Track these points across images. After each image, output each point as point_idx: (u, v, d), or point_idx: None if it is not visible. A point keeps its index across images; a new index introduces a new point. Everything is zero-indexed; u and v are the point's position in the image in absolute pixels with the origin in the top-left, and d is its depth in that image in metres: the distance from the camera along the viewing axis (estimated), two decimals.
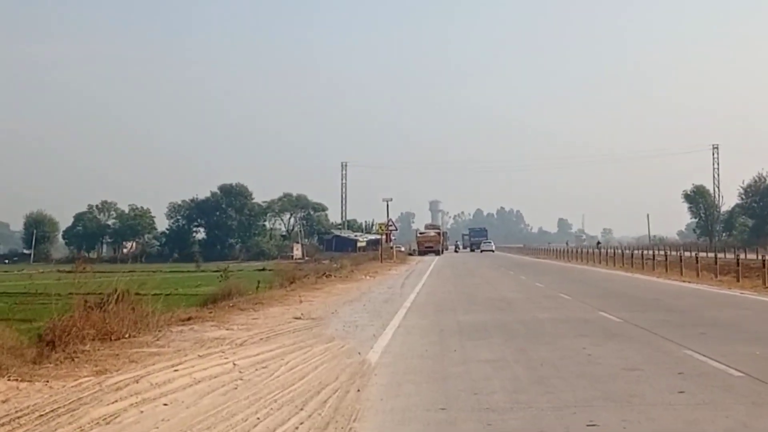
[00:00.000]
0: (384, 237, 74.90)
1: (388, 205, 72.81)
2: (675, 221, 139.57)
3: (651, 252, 58.49)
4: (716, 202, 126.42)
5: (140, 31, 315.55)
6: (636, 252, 61.05)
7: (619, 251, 62.57)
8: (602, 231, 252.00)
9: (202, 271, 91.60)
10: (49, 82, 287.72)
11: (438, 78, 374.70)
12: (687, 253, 49.85)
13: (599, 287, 29.99)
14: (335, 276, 40.66)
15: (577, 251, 75.15)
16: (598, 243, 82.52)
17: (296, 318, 20.08)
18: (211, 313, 21.22)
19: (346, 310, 22.35)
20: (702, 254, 47.48)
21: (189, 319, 19.60)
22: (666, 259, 43.26)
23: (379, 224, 70.86)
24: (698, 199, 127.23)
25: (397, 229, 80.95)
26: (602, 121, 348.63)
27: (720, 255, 48.98)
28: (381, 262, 63.02)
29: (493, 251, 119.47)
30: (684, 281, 32.60)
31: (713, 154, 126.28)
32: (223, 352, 13.72)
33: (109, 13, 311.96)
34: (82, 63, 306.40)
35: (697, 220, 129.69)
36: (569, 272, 43.72)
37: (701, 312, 19.38)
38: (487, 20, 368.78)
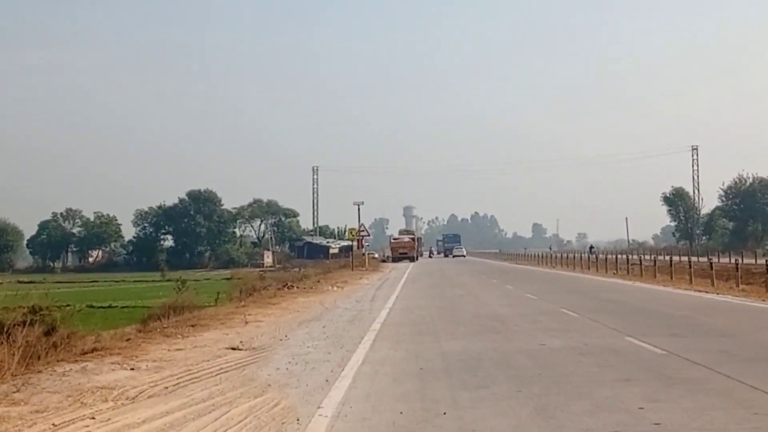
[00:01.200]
0: (356, 243, 70.14)
1: (359, 209, 68.16)
2: (650, 225, 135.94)
3: (638, 257, 54.40)
4: (696, 205, 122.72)
5: (109, 32, 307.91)
6: (620, 257, 57.06)
7: (602, 256, 58.67)
8: (577, 235, 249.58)
9: (168, 280, 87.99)
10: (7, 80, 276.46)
11: (412, 82, 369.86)
12: (675, 258, 46.00)
13: (605, 300, 25.29)
14: (298, 287, 35.93)
15: (559, 256, 70.95)
16: (591, 247, 77.81)
17: (232, 348, 15.35)
18: (127, 341, 16.41)
19: (300, 334, 17.60)
20: (692, 259, 43.40)
21: (93, 350, 14.83)
22: (671, 265, 38.67)
23: (350, 229, 65.69)
24: (677, 202, 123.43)
25: (369, 235, 76.12)
26: (577, 124, 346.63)
27: (703, 259, 45.50)
28: (352, 270, 58.30)
29: (464, 256, 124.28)
30: (699, 291, 28.06)
31: (692, 156, 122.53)
32: (93, 417, 8.99)
33: (84, 13, 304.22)
34: (46, 63, 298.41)
35: (676, 223, 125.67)
36: (560, 280, 39.16)
37: (757, 335, 14.82)
38: (466, 26, 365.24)
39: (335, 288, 36.80)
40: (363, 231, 67.71)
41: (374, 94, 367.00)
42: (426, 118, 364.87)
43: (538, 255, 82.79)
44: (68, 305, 48.02)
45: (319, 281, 40.02)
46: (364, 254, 69.14)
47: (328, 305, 26.40)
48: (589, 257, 57.15)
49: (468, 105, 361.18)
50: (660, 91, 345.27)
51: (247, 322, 20.05)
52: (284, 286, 36.05)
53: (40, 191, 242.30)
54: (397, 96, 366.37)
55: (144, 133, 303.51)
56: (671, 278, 34.32)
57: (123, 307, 38.01)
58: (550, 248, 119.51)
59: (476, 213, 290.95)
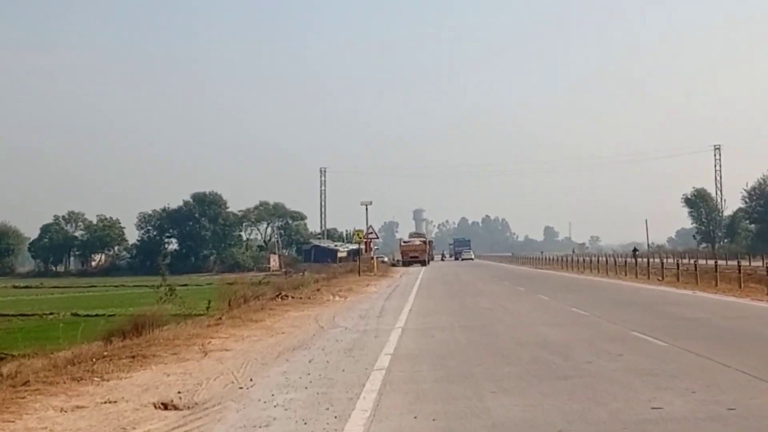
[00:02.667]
0: (363, 246, 64.42)
1: (367, 209, 62.35)
2: (664, 228, 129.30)
3: (674, 261, 48.77)
4: (718, 207, 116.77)
5: (112, 34, 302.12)
6: (653, 261, 51.60)
7: (637, 261, 53.27)
8: (590, 239, 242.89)
9: (168, 285, 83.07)
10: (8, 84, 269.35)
11: (420, 83, 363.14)
12: (701, 261, 40.58)
13: (679, 317, 19.26)
14: (294, 297, 30.31)
15: (582, 260, 65.14)
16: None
17: (162, 405, 9.79)
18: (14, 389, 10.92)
19: (273, 375, 11.93)
20: (720, 263, 37.94)
21: None
22: (716, 270, 32.86)
23: (357, 231, 59.68)
24: (699, 204, 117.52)
25: (378, 237, 70.44)
26: (590, 125, 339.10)
27: (733, 263, 40.16)
28: (359, 275, 52.61)
29: (471, 259, 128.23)
30: None
31: (715, 155, 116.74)
32: None
33: (87, 16, 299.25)
34: (50, 65, 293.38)
35: (697, 225, 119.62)
36: (600, 288, 33.19)
37: None
38: (473, 25, 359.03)
39: (337, 298, 31.14)
40: (371, 233, 61.95)
41: (382, 95, 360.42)
42: (436, 119, 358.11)
43: (559, 259, 77.00)
44: (52, 313, 42.28)
45: (319, 289, 34.39)
46: (372, 258, 63.41)
47: (324, 322, 20.73)
48: (636, 261, 50.83)
49: (478, 105, 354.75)
50: (674, 89, 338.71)
51: (206, 353, 14.40)
52: (277, 295, 30.44)
53: (43, 194, 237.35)
54: (407, 97, 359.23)
55: (148, 135, 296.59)
56: (740, 286, 28.27)
57: (110, 316, 33.82)
58: (573, 251, 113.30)
59: (487, 216, 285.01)
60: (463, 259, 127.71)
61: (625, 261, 53.79)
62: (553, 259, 79.22)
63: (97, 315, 37.28)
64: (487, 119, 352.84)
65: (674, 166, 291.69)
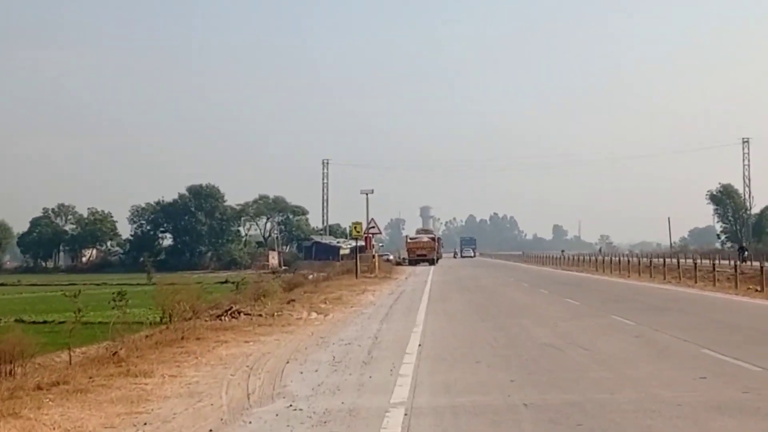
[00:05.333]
0: (364, 242, 54.26)
1: (368, 199, 52.08)
2: (676, 227, 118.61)
3: (732, 263, 38.71)
4: (746, 203, 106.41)
5: (105, 27, 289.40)
6: (674, 261, 41.97)
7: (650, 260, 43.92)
8: (599, 238, 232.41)
9: (153, 284, 75.14)
10: None
11: (428, 80, 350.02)
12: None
13: None
14: (250, 314, 20.25)
15: (611, 260, 54.99)
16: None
17: None
18: None
19: None
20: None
21: None
22: None
23: (354, 224, 48.77)
24: (725, 200, 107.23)
25: (380, 232, 60.29)
26: (598, 123, 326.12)
27: None
28: (357, 277, 42.47)
29: (472, 257, 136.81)
30: None
31: (743, 149, 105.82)
32: None
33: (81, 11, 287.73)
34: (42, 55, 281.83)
35: (723, 223, 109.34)
36: (708, 307, 22.95)
37: None
38: (480, 21, 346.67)
39: (313, 315, 21.03)
40: (372, 227, 51.64)
41: (392, 93, 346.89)
42: (445, 118, 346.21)
43: (582, 258, 66.77)
44: None
45: (293, 300, 24.16)
46: (373, 257, 53.21)
47: (257, 383, 10.65)
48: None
49: (486, 105, 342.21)
50: (681, 88, 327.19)
51: None
52: (227, 311, 20.42)
53: (32, 187, 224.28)
54: (417, 96, 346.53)
55: (142, 126, 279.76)
56: None
57: (60, 323, 25.73)
58: (600, 251, 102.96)
59: (495, 214, 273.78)
60: (462, 257, 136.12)
61: (664, 261, 43.87)
62: (576, 258, 68.88)
63: (44, 322, 29.69)
64: (496, 119, 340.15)
65: (686, 165, 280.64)
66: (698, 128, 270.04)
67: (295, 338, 16.14)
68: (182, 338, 15.59)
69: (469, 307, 23.38)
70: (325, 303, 24.98)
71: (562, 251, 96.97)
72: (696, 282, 32.89)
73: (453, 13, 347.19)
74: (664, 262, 44.10)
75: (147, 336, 16.61)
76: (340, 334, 16.66)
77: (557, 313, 20.35)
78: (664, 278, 36.72)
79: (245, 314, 20.12)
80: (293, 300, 24.03)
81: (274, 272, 51.90)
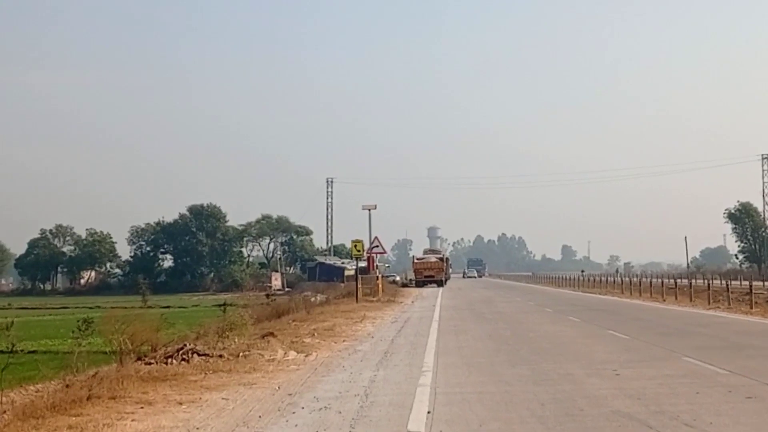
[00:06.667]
0: (367, 262, 49.35)
1: (370, 215, 47.26)
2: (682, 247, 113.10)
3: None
4: (766, 222, 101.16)
5: (105, 43, 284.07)
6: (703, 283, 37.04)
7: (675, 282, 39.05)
8: (609, 258, 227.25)
9: (149, 307, 70.92)
10: None
11: (434, 99, 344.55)
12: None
13: None
14: (206, 356, 15.29)
15: (637, 281, 50.07)
16: None
17: None
18: None
19: None
20: None
21: None
22: None
23: (354, 241, 43.52)
24: (744, 219, 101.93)
25: (385, 252, 55.27)
26: (606, 140, 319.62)
27: None
28: (357, 301, 37.47)
29: (475, 277, 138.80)
30: None
31: (763, 166, 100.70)
32: None
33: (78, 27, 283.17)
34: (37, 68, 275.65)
35: (741, 243, 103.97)
36: (753, 332, 18.35)
37: None
38: (486, 38, 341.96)
39: (291, 354, 16.02)
40: (376, 246, 46.65)
41: (395, 109, 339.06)
42: (448, 133, 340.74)
43: (602, 279, 61.75)
44: None
45: (270, 334, 19.11)
46: (377, 278, 48.20)
47: None
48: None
49: (492, 124, 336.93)
50: (686, 104, 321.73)
51: None
52: (178, 351, 15.49)
53: (30, 207, 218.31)
54: (419, 112, 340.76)
55: (142, 145, 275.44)
56: None
57: (30, 352, 21.41)
58: (617, 271, 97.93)
59: (503, 234, 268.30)
60: (467, 277, 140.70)
61: (690, 283, 38.99)
62: (595, 280, 63.74)
63: (2, 352, 24.95)
64: (501, 137, 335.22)
65: (698, 183, 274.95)
66: (711, 145, 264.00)
67: (252, 396, 11.22)
68: (88, 398, 10.70)
69: (491, 342, 18.38)
70: (313, 336, 20.06)
71: (582, 271, 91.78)
72: (752, 308, 27.77)
73: (458, 30, 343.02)
74: (691, 283, 39.23)
75: (38, 391, 11.82)
76: (317, 389, 11.73)
77: (608, 354, 15.36)
78: (709, 303, 31.50)
79: (201, 355, 15.19)
80: (271, 334, 19.05)
81: (268, 296, 46.78)
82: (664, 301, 35.93)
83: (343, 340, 19.45)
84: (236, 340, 17.25)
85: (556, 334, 20.21)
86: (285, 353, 16.08)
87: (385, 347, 17.63)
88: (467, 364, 14.28)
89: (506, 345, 17.55)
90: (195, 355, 15.12)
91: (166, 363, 14.71)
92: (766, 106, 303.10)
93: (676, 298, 35.83)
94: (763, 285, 49.24)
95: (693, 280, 47.25)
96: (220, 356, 15.31)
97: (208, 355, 15.32)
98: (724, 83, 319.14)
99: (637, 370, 12.78)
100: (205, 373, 13.49)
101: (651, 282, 49.38)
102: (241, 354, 15.60)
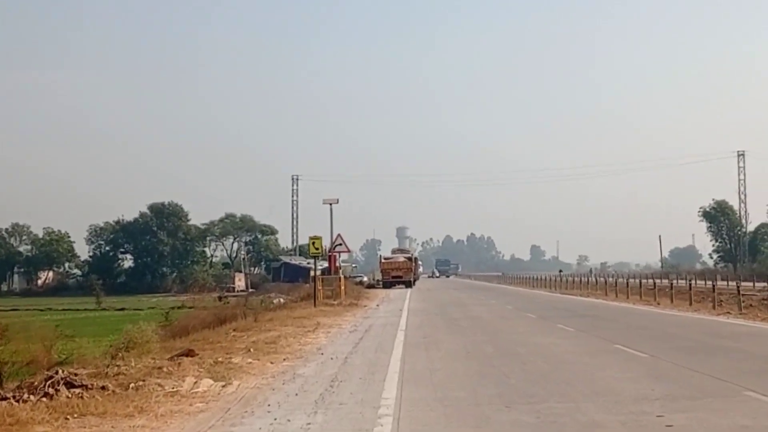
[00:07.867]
0: (328, 262, 45.11)
1: (332, 210, 43.11)
2: (653, 248, 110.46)
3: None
4: (742, 221, 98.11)
5: (74, 41, 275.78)
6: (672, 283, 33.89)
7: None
8: (578, 258, 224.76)
9: (103, 309, 67.36)
10: None
11: (406, 101, 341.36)
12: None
13: None
14: (83, 387, 10.95)
15: (614, 282, 46.39)
16: None
17: None
18: None
19: None
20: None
21: None
22: None
23: (312, 238, 37.90)
24: (719, 217, 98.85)
25: (349, 250, 51.00)
26: (576, 139, 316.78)
27: None
28: (315, 305, 33.14)
29: (438, 277, 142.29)
30: None
31: (738, 163, 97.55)
32: None
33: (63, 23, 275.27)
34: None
35: (717, 242, 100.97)
36: None
37: None
38: (460, 40, 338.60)
39: (204, 384, 11.57)
40: (339, 244, 42.30)
41: (365, 107, 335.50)
42: (420, 132, 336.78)
43: (579, 280, 58.05)
44: None
45: (190, 353, 14.74)
46: (339, 279, 43.89)
47: None
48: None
49: (465, 126, 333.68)
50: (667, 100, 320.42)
51: None
52: (47, 381, 11.10)
53: None
54: (395, 115, 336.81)
55: (100, 140, 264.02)
56: None
57: None
58: (591, 271, 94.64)
59: (472, 234, 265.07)
60: (437, 276, 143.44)
61: (672, 284, 35.33)
62: (572, 280, 60.00)
63: None
64: (470, 137, 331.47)
65: (666, 183, 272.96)
66: (682, 145, 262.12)
67: None
68: None
69: (471, 362, 14.14)
70: (247, 352, 15.78)
71: (560, 271, 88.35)
72: (709, 305, 24.40)
73: (431, 31, 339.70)
74: (672, 284, 35.64)
75: None
76: None
77: (633, 382, 11.17)
78: (714, 307, 27.49)
79: (75, 387, 10.84)
80: (190, 351, 14.70)
81: (220, 298, 42.33)
82: (658, 304, 31.85)
83: (284, 359, 15.16)
84: (134, 362, 12.88)
85: (551, 349, 16.01)
86: (196, 382, 11.77)
87: (334, 371, 13.36)
88: (442, 401, 10.05)
89: (491, 367, 13.33)
90: (65, 387, 10.76)
91: (30, 396, 10.40)
92: (741, 103, 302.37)
93: (672, 301, 31.69)
94: (754, 286, 46.06)
95: (674, 281, 43.94)
96: (103, 388, 10.97)
97: (85, 386, 10.96)
98: (700, 81, 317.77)
99: (692, 415, 8.63)
100: (66, 419, 9.18)
101: (628, 282, 45.80)
102: (132, 385, 11.26)
